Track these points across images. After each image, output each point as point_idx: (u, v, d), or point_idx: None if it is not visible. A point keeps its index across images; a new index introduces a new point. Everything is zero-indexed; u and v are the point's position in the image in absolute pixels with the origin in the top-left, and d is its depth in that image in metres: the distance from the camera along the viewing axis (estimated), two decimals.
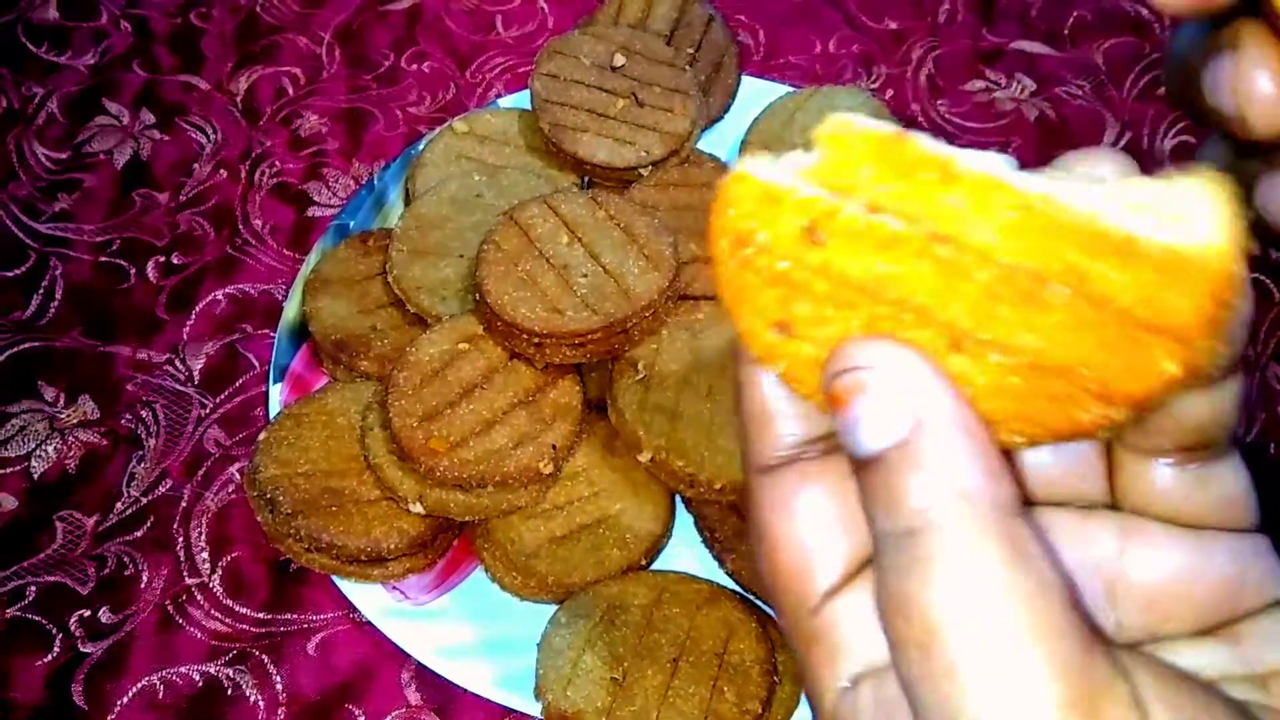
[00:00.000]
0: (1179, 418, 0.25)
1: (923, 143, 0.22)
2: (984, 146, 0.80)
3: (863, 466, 0.23)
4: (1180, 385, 0.22)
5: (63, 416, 0.65)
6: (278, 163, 0.78)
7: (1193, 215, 0.21)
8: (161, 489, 0.63)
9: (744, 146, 0.73)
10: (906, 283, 0.22)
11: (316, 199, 0.76)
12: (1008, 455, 0.24)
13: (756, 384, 0.26)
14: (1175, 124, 0.81)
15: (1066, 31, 0.88)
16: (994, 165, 0.22)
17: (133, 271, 0.72)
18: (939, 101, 0.83)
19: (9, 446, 0.64)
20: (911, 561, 0.22)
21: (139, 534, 0.61)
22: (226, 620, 0.58)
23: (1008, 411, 0.23)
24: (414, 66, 0.84)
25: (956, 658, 0.21)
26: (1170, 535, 0.26)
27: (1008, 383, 0.23)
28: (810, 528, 0.26)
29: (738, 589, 0.57)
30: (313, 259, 0.67)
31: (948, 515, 0.22)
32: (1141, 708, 0.21)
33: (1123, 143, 0.80)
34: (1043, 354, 0.22)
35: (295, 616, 0.58)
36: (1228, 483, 0.26)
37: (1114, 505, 0.27)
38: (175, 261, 0.73)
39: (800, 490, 0.26)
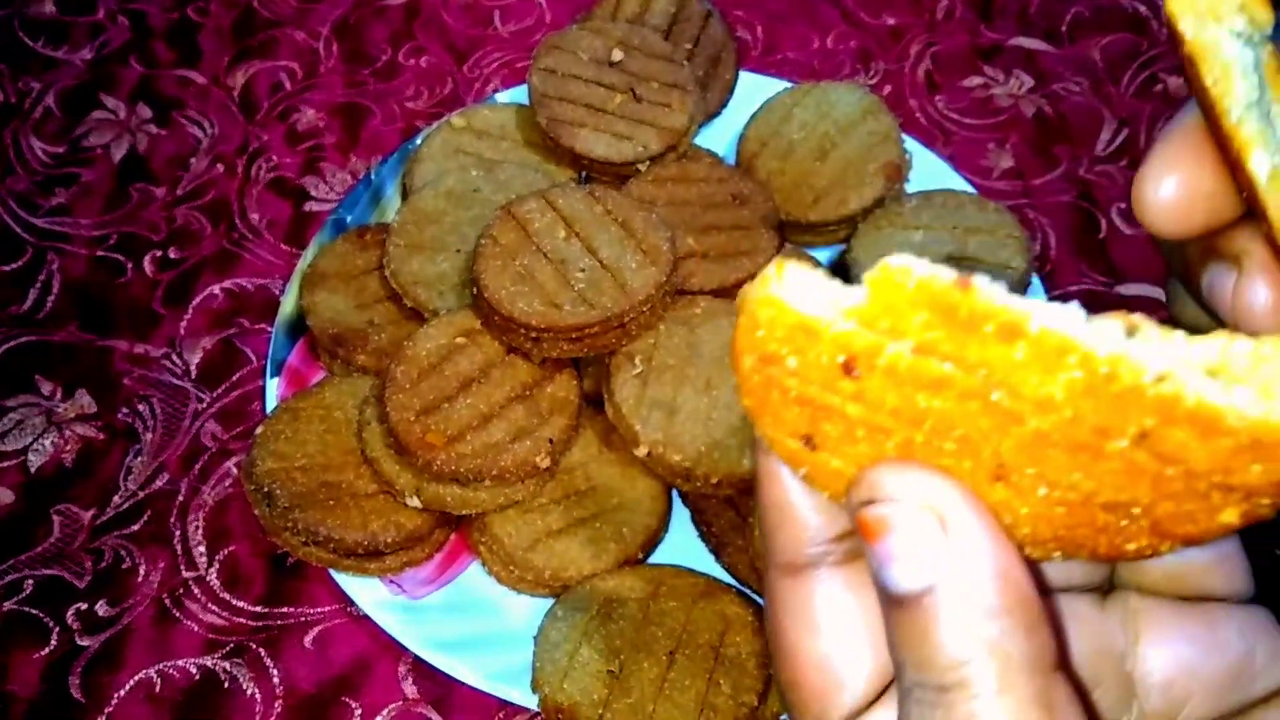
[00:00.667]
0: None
1: (985, 292, 0.20)
2: (982, 142, 0.80)
3: (892, 605, 0.22)
4: (1234, 530, 0.22)
5: (60, 410, 0.65)
6: (275, 157, 0.78)
7: (1273, 384, 0.20)
8: (159, 483, 0.63)
9: (741, 142, 0.73)
10: (951, 420, 0.21)
11: (314, 193, 0.76)
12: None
13: (778, 477, 0.25)
14: None
15: (1064, 28, 0.88)
16: (1064, 321, 0.20)
17: (130, 266, 0.72)
18: (937, 97, 0.83)
19: (6, 440, 0.64)
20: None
21: (136, 528, 0.61)
22: (223, 614, 0.58)
23: (1049, 535, 0.22)
24: (411, 61, 0.84)
25: None
26: (1179, 616, 0.26)
27: (1054, 512, 0.22)
28: (835, 642, 0.24)
29: (734, 582, 0.57)
30: (310, 253, 0.67)
31: (983, 675, 0.20)
32: None
33: (1120, 139, 0.80)
34: (1096, 494, 0.21)
35: (292, 610, 0.58)
36: (1222, 542, 0.26)
37: (1113, 579, 0.27)
38: (172, 256, 0.73)
39: (825, 599, 0.24)
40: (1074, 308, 0.20)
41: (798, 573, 0.25)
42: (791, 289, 0.21)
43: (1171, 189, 0.26)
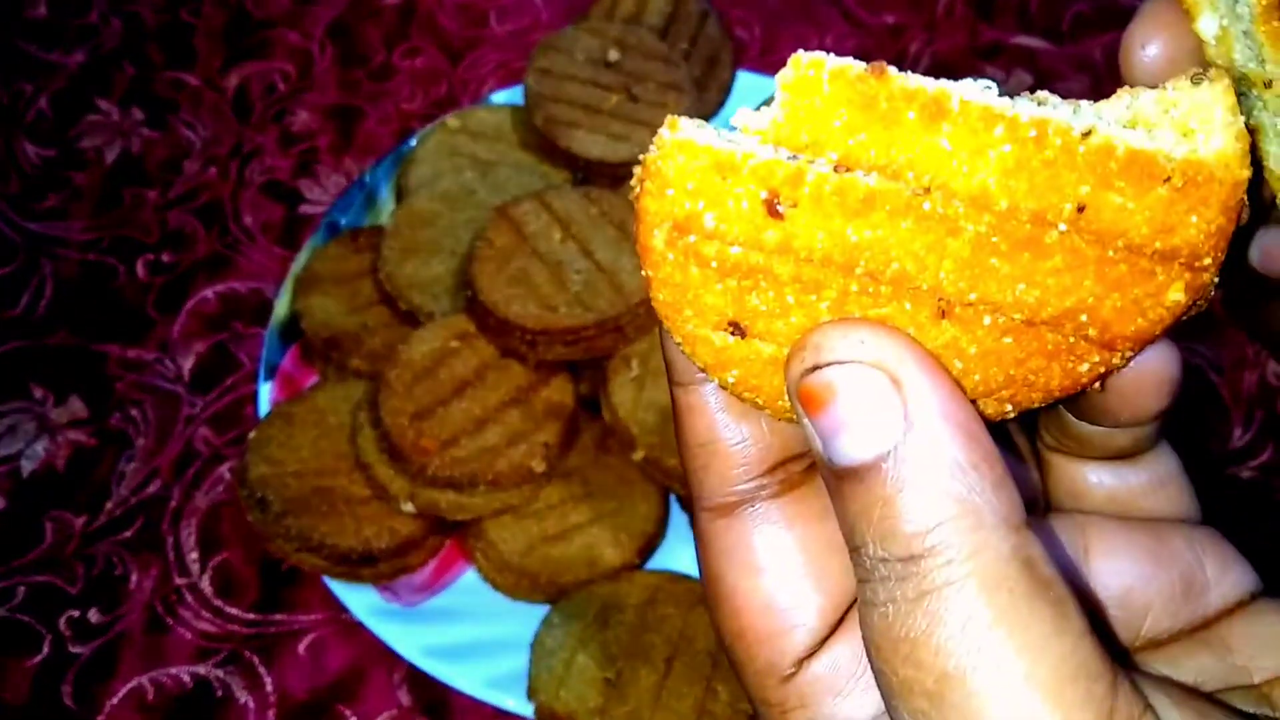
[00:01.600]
0: (1115, 438, 0.25)
1: (901, 76, 0.19)
2: None
3: (843, 480, 0.20)
4: (1182, 313, 0.21)
5: (52, 416, 0.65)
6: (268, 159, 0.77)
7: (1205, 123, 0.20)
8: (151, 488, 0.62)
9: None
10: (885, 248, 0.20)
11: (307, 196, 0.76)
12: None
13: (701, 408, 0.23)
14: None
15: (1065, 27, 0.87)
16: (984, 94, 0.20)
17: (122, 270, 0.72)
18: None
19: None
20: (917, 595, 0.19)
21: (128, 534, 0.60)
22: (216, 621, 0.58)
23: (1000, 379, 0.21)
24: (406, 62, 0.84)
25: (978, 706, 0.18)
26: (1126, 530, 0.25)
27: (1002, 345, 0.21)
28: (779, 581, 0.23)
29: None
30: (303, 256, 0.67)
31: (955, 537, 0.19)
32: None
33: None
34: (1041, 306, 0.21)
35: (286, 617, 0.58)
36: (1161, 464, 0.26)
37: (1049, 501, 0.27)
38: (165, 259, 0.72)
39: (763, 537, 0.23)
40: (988, 84, 0.20)
41: (730, 513, 0.23)
42: (695, 131, 0.20)
43: (1156, 49, 0.27)
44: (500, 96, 0.77)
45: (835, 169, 0.20)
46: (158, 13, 0.86)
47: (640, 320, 0.58)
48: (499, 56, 0.84)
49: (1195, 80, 0.20)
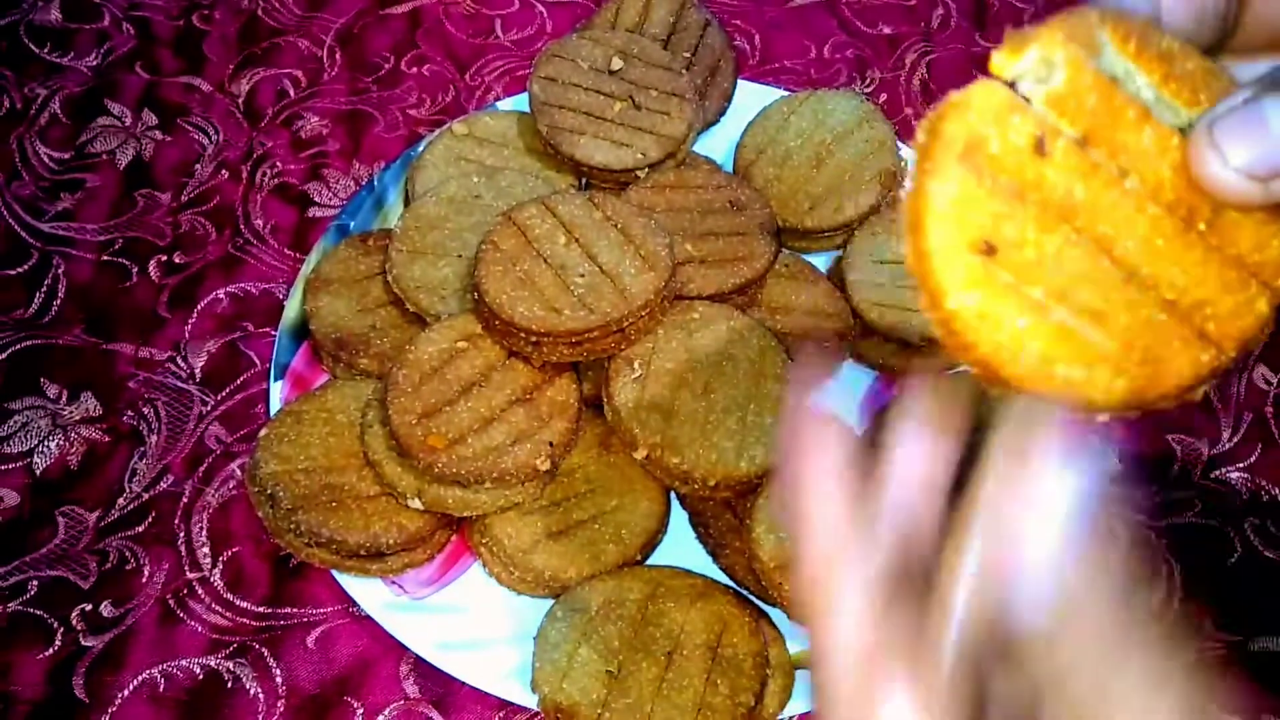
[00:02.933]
0: None
1: (1129, 88, 0.27)
2: None
3: None
4: (1266, 325, 0.27)
5: (65, 413, 0.66)
6: (279, 164, 0.79)
7: None
8: (163, 485, 0.63)
9: (739, 149, 0.74)
10: (1096, 210, 0.26)
11: (317, 199, 0.77)
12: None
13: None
14: None
15: None
16: (1171, 117, 0.27)
17: (135, 270, 0.73)
18: (932, 105, 0.84)
19: (11, 442, 0.65)
20: None
21: (140, 529, 0.62)
22: (227, 614, 0.59)
23: (1140, 355, 0.27)
24: (414, 69, 0.85)
25: None
26: None
27: (1156, 320, 0.27)
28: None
29: (731, 584, 0.58)
30: (313, 258, 0.68)
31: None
32: None
33: None
34: (1185, 292, 0.27)
35: (295, 610, 0.59)
36: None
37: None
38: (177, 261, 0.73)
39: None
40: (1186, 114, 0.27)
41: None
42: (996, 83, 0.27)
43: None
44: (506, 103, 0.78)
45: (1079, 140, 0.27)
46: (170, 18, 0.87)
47: (642, 322, 0.60)
48: (505, 64, 0.86)
49: None
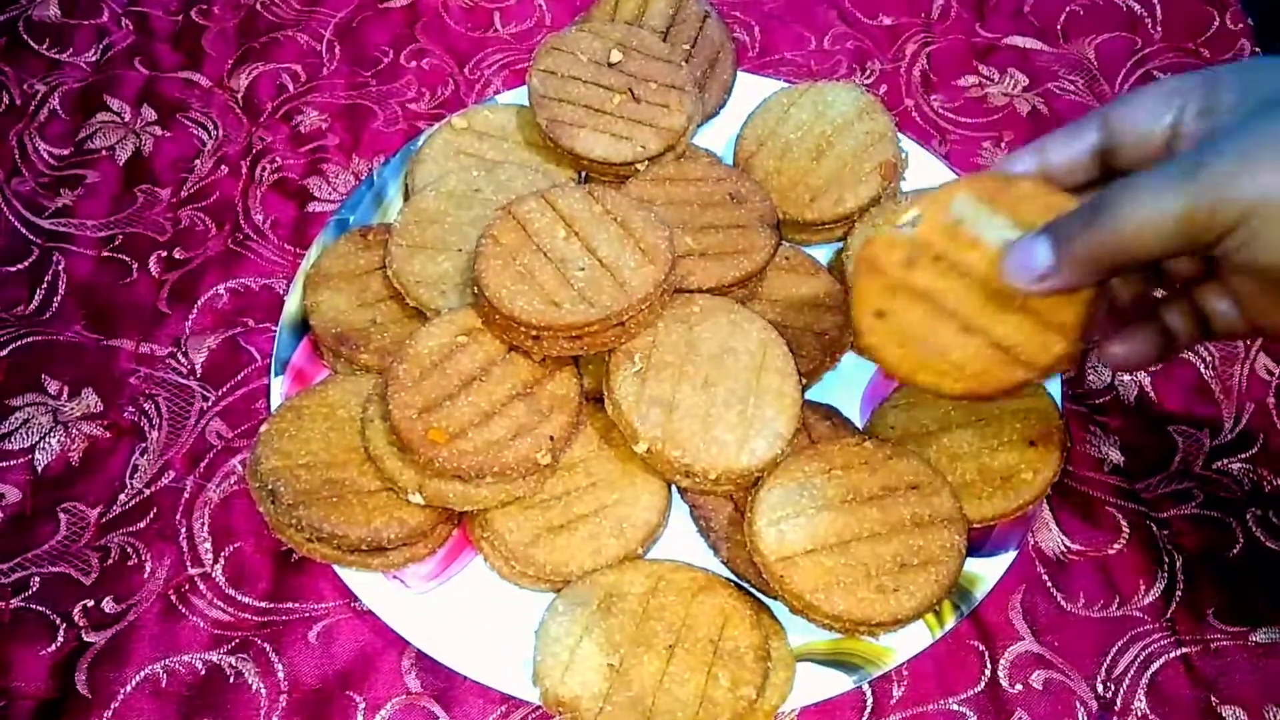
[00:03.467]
0: None
1: (969, 228, 0.45)
2: (977, 141, 0.81)
3: None
4: (1065, 361, 0.44)
5: (66, 409, 0.66)
6: (278, 159, 0.79)
7: None
8: (164, 480, 0.63)
9: (739, 142, 0.74)
10: (945, 294, 0.46)
11: (317, 194, 0.77)
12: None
13: None
14: None
15: (1059, 27, 0.88)
16: (1001, 234, 0.45)
17: (135, 266, 0.73)
18: (932, 96, 0.84)
19: (12, 439, 0.65)
20: None
21: (142, 525, 0.62)
22: (229, 609, 0.59)
23: (983, 370, 0.45)
24: (413, 63, 0.85)
25: None
26: None
27: (985, 353, 0.45)
28: None
29: (732, 577, 0.58)
30: (313, 254, 0.68)
31: None
32: None
33: None
34: (1005, 338, 0.45)
35: (297, 605, 0.59)
36: None
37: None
38: (177, 256, 0.73)
39: None
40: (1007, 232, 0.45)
41: None
42: (893, 228, 0.47)
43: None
44: (505, 97, 0.78)
45: (934, 256, 0.46)
46: (168, 14, 0.87)
47: (642, 316, 0.60)
48: (504, 58, 0.86)
49: None
